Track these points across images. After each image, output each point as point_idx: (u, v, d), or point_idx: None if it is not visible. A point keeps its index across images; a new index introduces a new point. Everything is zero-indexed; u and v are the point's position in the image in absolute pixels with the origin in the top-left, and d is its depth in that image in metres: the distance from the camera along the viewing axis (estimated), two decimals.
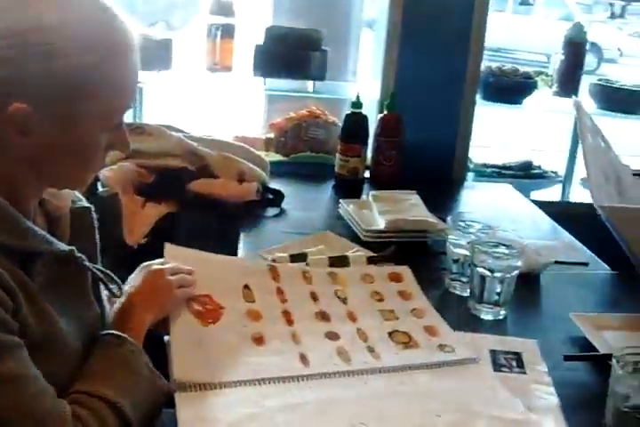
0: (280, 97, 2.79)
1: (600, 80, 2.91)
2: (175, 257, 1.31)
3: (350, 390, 1.12)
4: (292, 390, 1.11)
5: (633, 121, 2.87)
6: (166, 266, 1.25)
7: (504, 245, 1.41)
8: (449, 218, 1.54)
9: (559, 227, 2.06)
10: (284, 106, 2.73)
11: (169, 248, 1.35)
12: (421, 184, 2.00)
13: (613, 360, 1.01)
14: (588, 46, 2.80)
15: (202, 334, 1.19)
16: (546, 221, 2.12)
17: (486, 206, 2.18)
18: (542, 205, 2.33)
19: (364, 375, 1.15)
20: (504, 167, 2.70)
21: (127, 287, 1.18)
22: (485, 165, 2.69)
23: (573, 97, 1.83)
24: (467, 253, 1.45)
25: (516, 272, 1.39)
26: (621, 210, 1.47)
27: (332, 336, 1.25)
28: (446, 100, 2.39)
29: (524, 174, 2.70)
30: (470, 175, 2.51)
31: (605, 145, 1.77)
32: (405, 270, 1.48)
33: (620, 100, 2.78)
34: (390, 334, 1.28)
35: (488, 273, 1.37)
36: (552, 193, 2.71)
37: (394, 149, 2.23)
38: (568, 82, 2.72)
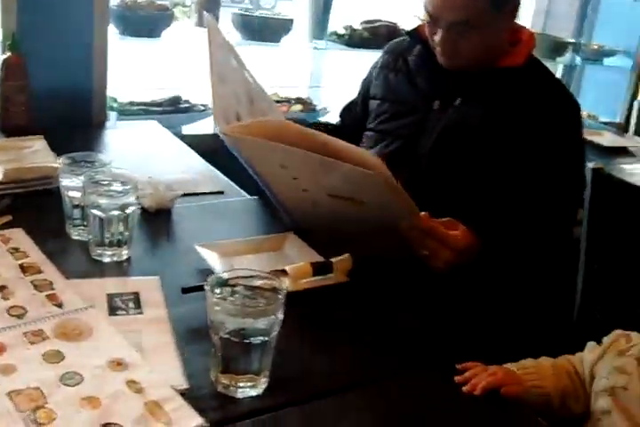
0: None
1: (240, 9, 2.91)
2: None
3: None
4: None
5: (272, 49, 2.90)
6: None
7: (119, 182, 1.34)
8: (60, 160, 1.42)
9: (202, 159, 2.04)
10: None
11: None
12: (59, 129, 1.90)
13: (206, 287, 0.98)
14: None
15: None
16: (190, 155, 2.09)
17: (129, 146, 2.10)
18: (192, 139, 2.30)
19: None
20: (152, 104, 2.61)
21: None
22: (132, 104, 2.58)
23: (205, 13, 1.74)
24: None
25: (133, 209, 1.33)
26: (240, 140, 1.40)
27: None
28: (77, 39, 2.23)
29: (172, 110, 2.64)
30: (114, 115, 2.40)
31: (239, 65, 1.70)
32: (18, 233, 1.36)
33: (259, 29, 2.80)
34: None
35: (102, 214, 1.30)
36: (204, 126, 2.68)
37: (21, 94, 2.06)
38: (207, 12, 2.68)
